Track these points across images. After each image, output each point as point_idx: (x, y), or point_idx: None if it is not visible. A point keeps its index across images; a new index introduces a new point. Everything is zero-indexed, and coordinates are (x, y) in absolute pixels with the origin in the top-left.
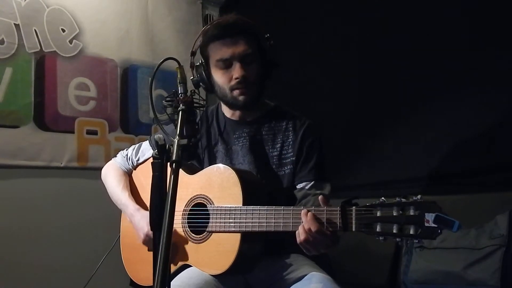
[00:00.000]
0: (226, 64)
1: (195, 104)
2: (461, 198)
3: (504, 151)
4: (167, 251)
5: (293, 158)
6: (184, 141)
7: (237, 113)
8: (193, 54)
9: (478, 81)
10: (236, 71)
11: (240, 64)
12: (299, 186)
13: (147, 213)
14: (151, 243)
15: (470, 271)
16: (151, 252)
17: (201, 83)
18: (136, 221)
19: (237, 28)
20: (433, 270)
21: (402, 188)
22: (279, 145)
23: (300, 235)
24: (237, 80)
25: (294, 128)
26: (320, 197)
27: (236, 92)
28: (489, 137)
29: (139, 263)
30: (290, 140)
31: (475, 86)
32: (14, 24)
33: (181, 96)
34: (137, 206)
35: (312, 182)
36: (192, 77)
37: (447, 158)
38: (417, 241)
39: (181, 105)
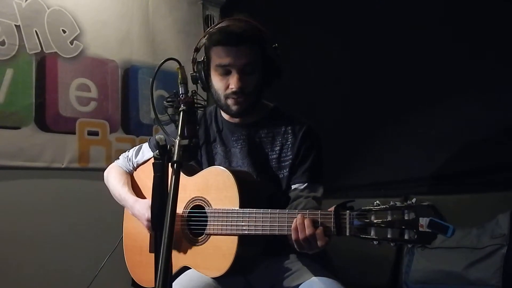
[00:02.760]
0: (225, 71)
1: (196, 105)
2: (462, 197)
3: (505, 151)
4: (169, 252)
5: (292, 161)
6: (185, 142)
7: None
8: (196, 50)
9: (479, 82)
10: (233, 81)
11: (238, 75)
12: (293, 186)
13: (146, 200)
14: None
15: (471, 271)
16: (153, 255)
17: (198, 81)
18: (137, 210)
19: (243, 38)
20: (435, 269)
21: (403, 188)
22: (278, 147)
23: (293, 237)
24: (232, 90)
25: (293, 131)
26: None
27: (230, 101)
28: (490, 137)
29: (142, 265)
30: (289, 142)
31: (476, 87)
32: (15, 25)
33: (182, 96)
34: (136, 198)
35: (306, 184)
36: (191, 72)
37: (448, 158)
38: (411, 245)
39: (182, 106)
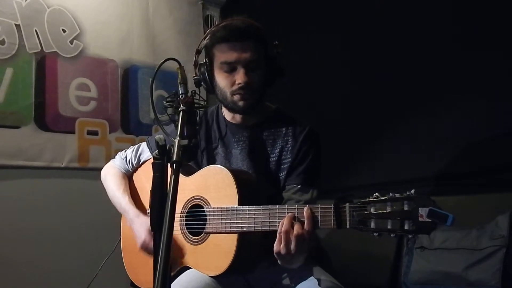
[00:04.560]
0: (230, 68)
1: (195, 105)
2: (462, 198)
3: (505, 151)
4: (168, 252)
5: (290, 164)
6: (185, 142)
7: (238, 116)
8: (198, 52)
9: (479, 83)
10: (240, 76)
11: (244, 70)
12: (287, 187)
13: (146, 219)
14: (148, 250)
15: (471, 272)
16: (152, 256)
17: (202, 83)
18: (136, 227)
19: (247, 33)
20: (434, 270)
21: (403, 189)
22: (278, 150)
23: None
24: (239, 85)
25: (294, 134)
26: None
27: (236, 97)
28: (490, 138)
29: (140, 267)
30: (289, 145)
31: (476, 87)
32: (15, 24)
33: (181, 96)
34: (137, 212)
35: (298, 187)
36: (194, 76)
37: (448, 159)
38: (411, 236)
39: (181, 106)
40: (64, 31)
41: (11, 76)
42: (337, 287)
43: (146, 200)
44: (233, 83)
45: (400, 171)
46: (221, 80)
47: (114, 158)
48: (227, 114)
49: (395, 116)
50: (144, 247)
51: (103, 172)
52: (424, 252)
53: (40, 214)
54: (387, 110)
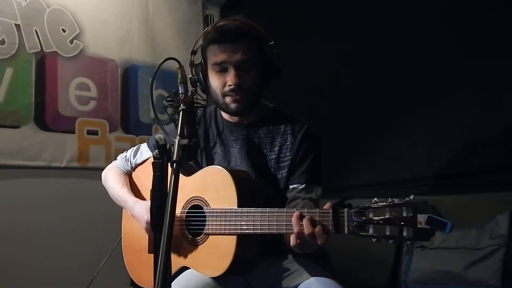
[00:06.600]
0: (222, 68)
1: (195, 104)
2: (462, 198)
3: (505, 151)
4: (168, 252)
5: (291, 162)
6: (185, 141)
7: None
8: (193, 53)
9: (479, 83)
10: (230, 78)
11: (235, 71)
12: (290, 187)
13: (146, 202)
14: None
15: (470, 271)
16: (152, 255)
17: (197, 83)
18: (136, 212)
19: (238, 34)
20: (434, 270)
21: (403, 188)
22: (277, 148)
23: (291, 240)
24: (230, 87)
25: (292, 131)
26: (328, 204)
27: (228, 99)
28: (490, 138)
29: (141, 266)
30: (288, 143)
31: (476, 87)
32: (15, 24)
33: (181, 96)
34: (136, 199)
35: (303, 185)
36: (190, 76)
37: (448, 158)
38: (409, 242)
39: (181, 105)
40: (64, 30)
41: (11, 75)
42: (337, 286)
43: (147, 196)
44: (224, 85)
45: (400, 171)
46: (214, 81)
47: (115, 159)
48: (224, 113)
49: (395, 116)
50: (149, 227)
51: (103, 173)
52: (424, 252)
53: (40, 213)
54: (387, 110)
